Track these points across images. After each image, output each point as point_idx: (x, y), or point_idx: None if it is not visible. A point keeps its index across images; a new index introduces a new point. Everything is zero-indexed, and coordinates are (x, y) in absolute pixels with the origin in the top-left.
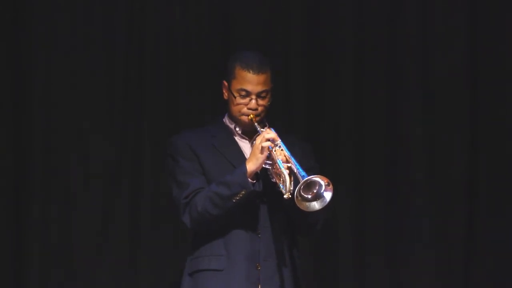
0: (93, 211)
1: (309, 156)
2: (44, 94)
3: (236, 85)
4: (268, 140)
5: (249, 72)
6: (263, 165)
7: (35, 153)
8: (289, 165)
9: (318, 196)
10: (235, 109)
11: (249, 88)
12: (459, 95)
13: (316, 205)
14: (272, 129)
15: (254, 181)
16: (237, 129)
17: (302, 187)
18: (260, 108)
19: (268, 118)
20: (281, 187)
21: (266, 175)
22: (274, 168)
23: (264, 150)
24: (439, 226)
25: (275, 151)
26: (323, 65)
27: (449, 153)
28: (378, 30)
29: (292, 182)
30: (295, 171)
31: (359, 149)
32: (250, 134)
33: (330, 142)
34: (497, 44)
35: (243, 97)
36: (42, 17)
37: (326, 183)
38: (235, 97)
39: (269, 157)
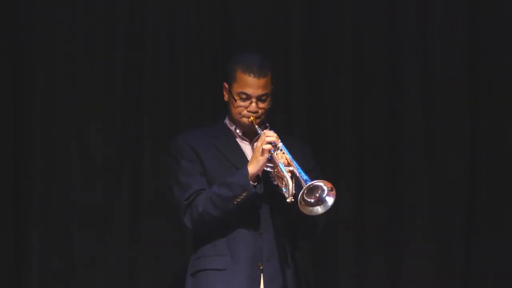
0: (93, 211)
1: (309, 158)
2: (44, 92)
3: (236, 88)
4: (268, 142)
5: (250, 76)
6: (265, 168)
7: (35, 152)
8: (291, 168)
9: (320, 201)
10: (235, 111)
11: (249, 91)
12: (459, 95)
13: (319, 209)
14: (272, 130)
15: (256, 183)
16: (237, 130)
17: (305, 191)
18: (260, 111)
19: (269, 119)
20: (284, 190)
21: (267, 177)
22: (276, 171)
23: (265, 152)
24: (439, 226)
25: (276, 154)
26: (323, 65)
27: (449, 153)
28: (378, 30)
29: (294, 186)
30: (298, 175)
31: (359, 149)
32: (251, 136)
33: (330, 142)
34: (498, 44)
35: (244, 100)
36: (41, 16)
37: (329, 188)
38: (235, 100)
39: (271, 160)
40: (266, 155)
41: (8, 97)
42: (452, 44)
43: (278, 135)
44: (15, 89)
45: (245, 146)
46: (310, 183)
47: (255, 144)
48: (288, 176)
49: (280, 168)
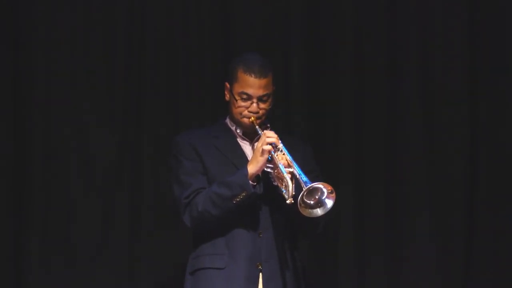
0: (93, 211)
1: (309, 158)
2: (44, 92)
3: (237, 88)
4: (269, 143)
5: (251, 76)
6: (265, 168)
7: (35, 152)
8: (291, 170)
9: (320, 203)
10: (236, 111)
11: (250, 92)
12: (459, 95)
13: (318, 211)
14: (273, 131)
15: (255, 183)
16: (238, 130)
17: (305, 193)
18: (261, 111)
19: (269, 119)
20: (283, 191)
21: (268, 178)
22: (276, 172)
23: (265, 153)
24: (439, 226)
25: (277, 155)
26: (323, 65)
27: (449, 153)
28: (378, 30)
29: (294, 187)
30: (298, 176)
31: (359, 149)
32: (251, 135)
33: (330, 142)
34: (498, 44)
35: (245, 100)
36: (41, 16)
37: (329, 191)
38: (236, 100)
39: (271, 160)
40: (266, 156)
41: (8, 97)
42: (452, 44)
43: (278, 135)
44: (15, 89)
45: (246, 146)
46: (310, 185)
47: (255, 144)
48: (288, 177)
49: (280, 169)
